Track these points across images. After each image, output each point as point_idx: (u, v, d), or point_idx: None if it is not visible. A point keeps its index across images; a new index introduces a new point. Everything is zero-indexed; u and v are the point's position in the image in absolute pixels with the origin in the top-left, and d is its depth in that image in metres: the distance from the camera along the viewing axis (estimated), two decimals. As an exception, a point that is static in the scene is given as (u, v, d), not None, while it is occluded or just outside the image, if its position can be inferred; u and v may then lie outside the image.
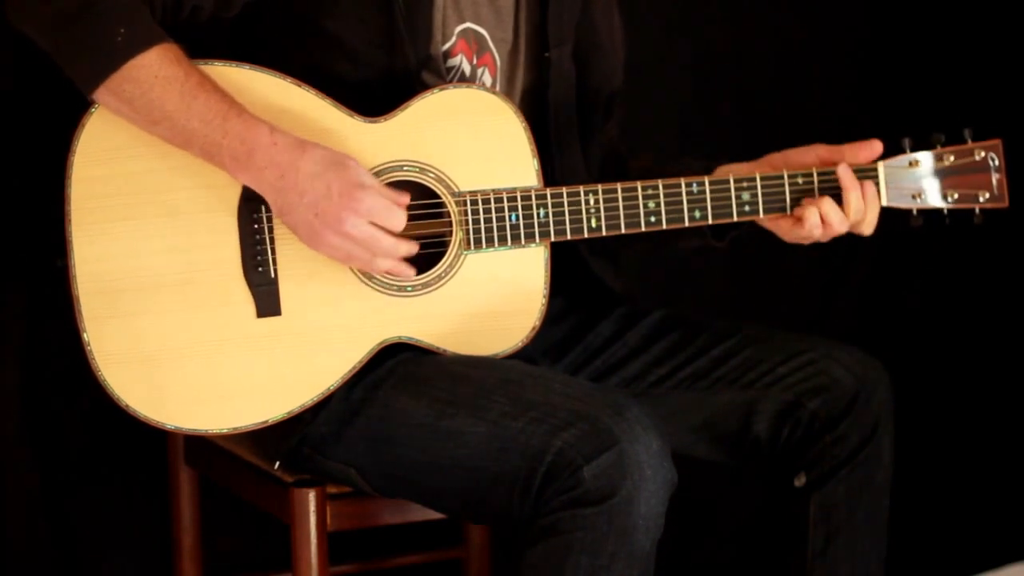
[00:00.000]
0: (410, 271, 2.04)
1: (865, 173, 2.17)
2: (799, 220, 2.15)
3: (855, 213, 2.15)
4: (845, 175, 2.14)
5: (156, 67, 1.96)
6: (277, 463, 2.13)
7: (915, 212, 2.20)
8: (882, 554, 2.21)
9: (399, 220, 1.99)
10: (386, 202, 1.98)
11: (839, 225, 2.15)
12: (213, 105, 1.96)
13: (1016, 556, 2.36)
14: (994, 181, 2.20)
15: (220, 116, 1.96)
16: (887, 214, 2.19)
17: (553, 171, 2.18)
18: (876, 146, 2.17)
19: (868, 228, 2.18)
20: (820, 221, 2.14)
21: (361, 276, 2.06)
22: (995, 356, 3.15)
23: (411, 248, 2.02)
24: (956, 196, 2.20)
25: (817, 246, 2.20)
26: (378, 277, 2.05)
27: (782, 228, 2.19)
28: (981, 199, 2.20)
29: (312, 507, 2.14)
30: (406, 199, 2.01)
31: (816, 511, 2.18)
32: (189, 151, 1.99)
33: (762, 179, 2.15)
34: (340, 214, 1.96)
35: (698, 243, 2.27)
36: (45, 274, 2.29)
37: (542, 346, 2.25)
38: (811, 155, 2.18)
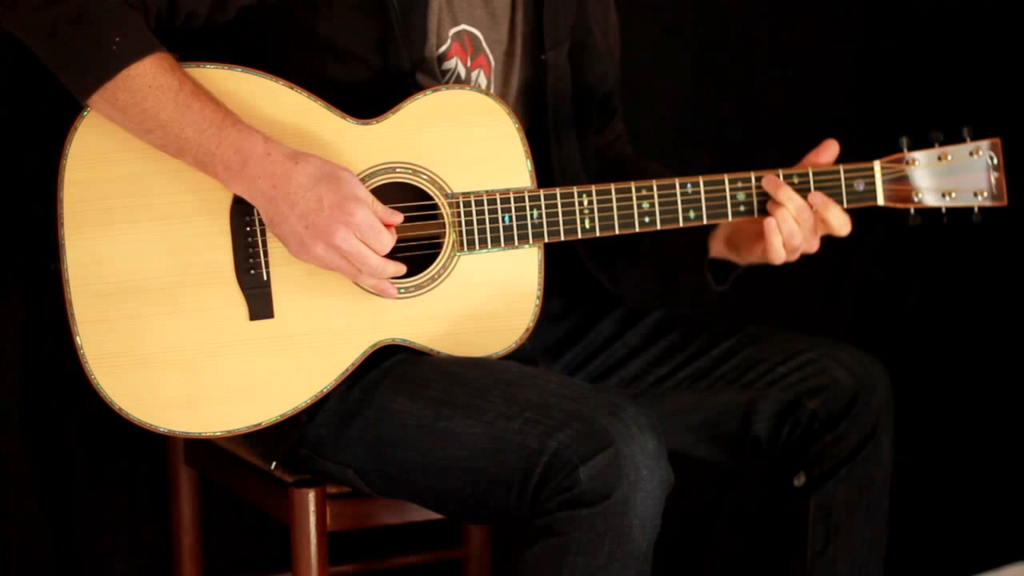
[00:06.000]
0: (393, 291, 2.04)
1: (861, 173, 2.15)
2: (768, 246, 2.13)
3: (835, 218, 2.13)
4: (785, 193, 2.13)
5: (151, 76, 1.95)
6: (274, 463, 2.14)
7: (913, 211, 2.19)
8: (882, 554, 2.22)
9: (386, 243, 1.99)
10: (376, 222, 1.97)
11: (802, 229, 2.13)
12: (207, 114, 1.96)
13: (1016, 556, 2.37)
14: (993, 180, 2.18)
15: (215, 125, 1.96)
16: (885, 213, 2.18)
17: (551, 167, 2.19)
18: (832, 146, 2.16)
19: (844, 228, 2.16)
20: (782, 242, 2.12)
21: (354, 278, 2.06)
22: (995, 355, 3.14)
23: (398, 269, 2.02)
24: (955, 195, 2.18)
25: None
26: (372, 279, 2.06)
27: (757, 254, 2.18)
28: (980, 198, 2.18)
29: (312, 507, 2.14)
30: (399, 219, 2.01)
31: (815, 511, 2.18)
32: (182, 159, 1.99)
33: (757, 178, 2.14)
34: (330, 226, 1.96)
35: (697, 278, 2.26)
36: (42, 277, 2.29)
37: (541, 345, 2.25)
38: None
